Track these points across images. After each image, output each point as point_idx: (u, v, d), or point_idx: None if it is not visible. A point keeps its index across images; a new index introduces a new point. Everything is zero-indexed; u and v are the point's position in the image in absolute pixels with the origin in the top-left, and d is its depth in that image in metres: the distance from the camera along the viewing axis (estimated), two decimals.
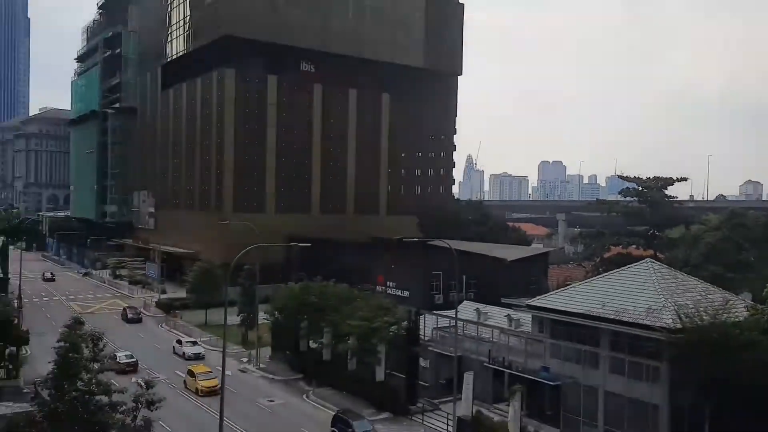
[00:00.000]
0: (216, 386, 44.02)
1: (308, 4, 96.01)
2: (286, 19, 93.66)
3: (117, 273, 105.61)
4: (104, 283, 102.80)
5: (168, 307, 76.30)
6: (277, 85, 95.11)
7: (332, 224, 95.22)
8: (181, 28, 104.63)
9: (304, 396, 46.29)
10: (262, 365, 53.90)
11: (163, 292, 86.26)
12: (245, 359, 55.89)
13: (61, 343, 25.87)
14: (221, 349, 37.71)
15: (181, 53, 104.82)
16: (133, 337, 63.43)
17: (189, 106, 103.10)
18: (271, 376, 51.23)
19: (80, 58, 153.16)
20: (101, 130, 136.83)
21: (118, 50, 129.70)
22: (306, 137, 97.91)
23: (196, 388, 45.63)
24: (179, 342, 58.11)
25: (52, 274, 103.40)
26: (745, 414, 36.60)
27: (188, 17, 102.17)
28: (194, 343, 57.59)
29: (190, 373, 47.19)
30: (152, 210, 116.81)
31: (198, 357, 54.95)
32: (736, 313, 35.32)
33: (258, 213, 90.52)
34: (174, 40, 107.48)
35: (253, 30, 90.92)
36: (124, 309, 74.41)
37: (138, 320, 71.94)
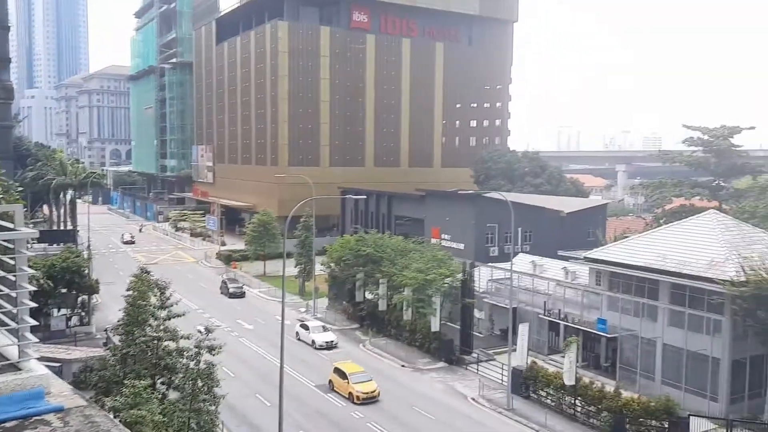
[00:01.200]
0: (375, 392, 36.07)
1: None
2: None
3: (178, 226, 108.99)
4: (167, 235, 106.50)
5: (228, 259, 78.70)
6: (330, 36, 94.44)
7: (386, 177, 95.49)
8: None
9: (361, 345, 47.40)
10: (319, 315, 55.32)
11: (223, 244, 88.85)
12: (303, 309, 57.44)
13: (130, 292, 27.11)
14: (280, 299, 38.75)
15: (234, 6, 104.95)
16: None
17: (243, 59, 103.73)
18: (328, 325, 52.56)
19: (138, 14, 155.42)
20: (159, 86, 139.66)
21: (174, 4, 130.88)
22: (359, 89, 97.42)
23: (350, 393, 36.07)
24: (304, 326, 48.03)
25: (131, 236, 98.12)
26: None
27: None
28: (324, 328, 48.13)
29: (340, 374, 37.47)
30: (210, 164, 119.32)
31: (331, 346, 45.95)
32: None
33: (313, 166, 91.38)
34: None
35: None
36: (224, 281, 64.68)
37: (241, 295, 62.30)
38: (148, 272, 28.78)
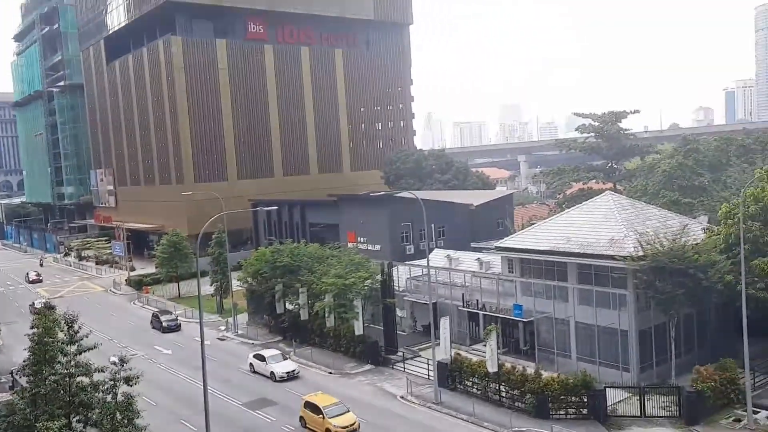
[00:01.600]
0: (354, 424, 32.66)
1: None
2: None
3: (82, 254, 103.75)
4: (70, 266, 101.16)
5: (139, 284, 75.69)
6: (227, 48, 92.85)
7: (297, 185, 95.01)
8: None
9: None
10: (240, 332, 54.22)
11: (132, 269, 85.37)
12: (223, 327, 56.11)
13: (35, 329, 25.65)
14: (197, 320, 37.69)
15: (122, 24, 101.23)
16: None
17: (137, 77, 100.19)
18: (250, 341, 51.62)
19: (18, 37, 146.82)
20: (48, 111, 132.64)
21: (56, 26, 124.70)
22: (262, 100, 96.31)
23: (327, 430, 32.51)
24: (259, 357, 43.36)
25: (37, 274, 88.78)
26: (706, 331, 38.48)
27: None
28: (283, 357, 43.64)
29: (312, 408, 33.63)
30: (111, 188, 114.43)
31: (292, 376, 41.77)
32: (694, 236, 36.67)
33: (221, 181, 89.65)
34: (114, 11, 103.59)
35: None
36: (155, 315, 59.08)
37: (176, 327, 56.74)
38: (52, 307, 27.36)
